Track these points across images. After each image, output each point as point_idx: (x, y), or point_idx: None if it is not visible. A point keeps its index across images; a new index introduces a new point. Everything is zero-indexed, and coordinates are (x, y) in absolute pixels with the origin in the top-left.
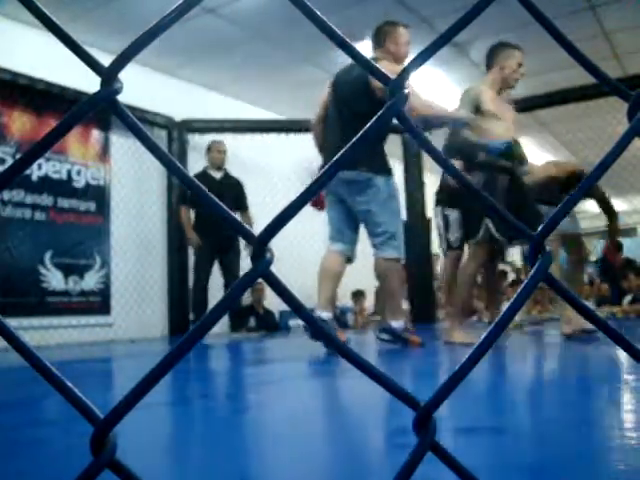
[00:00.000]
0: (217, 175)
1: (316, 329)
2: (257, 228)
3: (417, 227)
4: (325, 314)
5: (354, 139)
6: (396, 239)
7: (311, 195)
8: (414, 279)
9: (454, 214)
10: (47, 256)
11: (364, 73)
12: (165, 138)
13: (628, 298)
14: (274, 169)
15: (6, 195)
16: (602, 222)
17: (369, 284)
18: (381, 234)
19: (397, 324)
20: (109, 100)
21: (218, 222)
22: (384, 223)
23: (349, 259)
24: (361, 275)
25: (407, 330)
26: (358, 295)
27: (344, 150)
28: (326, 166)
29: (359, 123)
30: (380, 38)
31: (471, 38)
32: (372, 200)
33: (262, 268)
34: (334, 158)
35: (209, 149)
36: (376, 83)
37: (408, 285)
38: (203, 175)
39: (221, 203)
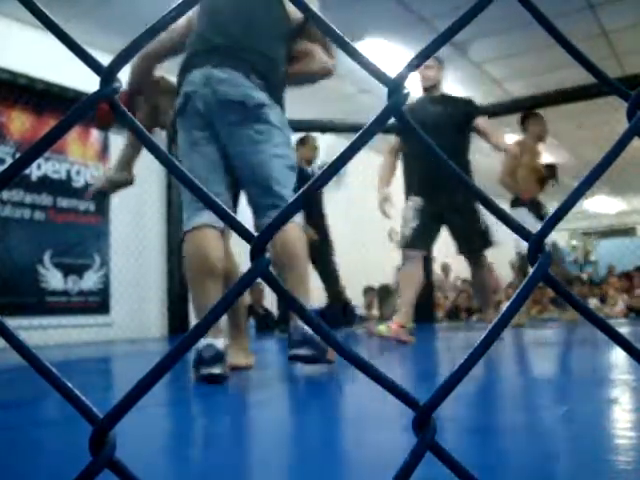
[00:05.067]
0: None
1: (316, 329)
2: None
3: None
4: (220, 344)
5: (353, 139)
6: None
7: (310, 195)
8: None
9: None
10: (46, 256)
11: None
12: (165, 138)
13: (620, 304)
14: None
15: (5, 195)
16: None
17: (372, 282)
18: (273, 196)
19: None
20: (108, 99)
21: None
22: None
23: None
24: (363, 274)
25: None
26: (369, 291)
27: (344, 150)
28: (325, 167)
29: None
30: None
31: (470, 38)
32: (268, 137)
33: (261, 267)
34: (334, 160)
35: (303, 143)
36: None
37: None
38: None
39: (220, 203)
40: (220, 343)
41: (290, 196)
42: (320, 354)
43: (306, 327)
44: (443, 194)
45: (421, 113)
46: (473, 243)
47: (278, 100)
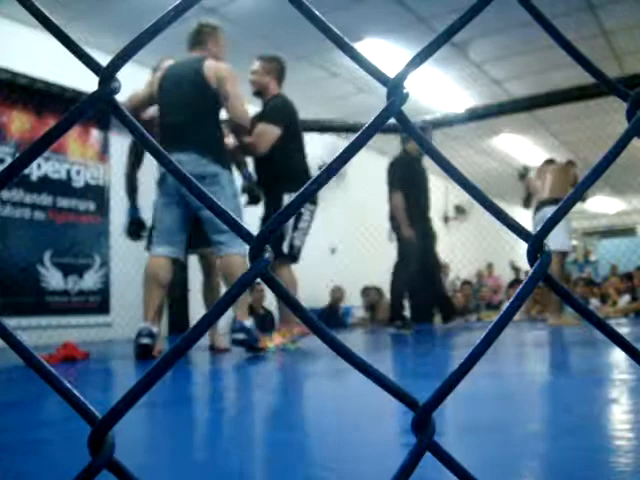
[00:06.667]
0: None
1: (315, 328)
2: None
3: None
4: (155, 328)
5: (349, 143)
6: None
7: (309, 195)
8: (414, 279)
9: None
10: (46, 256)
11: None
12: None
13: (626, 298)
14: None
15: (5, 195)
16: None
17: (372, 282)
18: (227, 230)
19: (249, 323)
20: (107, 99)
21: None
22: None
23: (176, 261)
24: (363, 274)
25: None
26: (367, 292)
27: (343, 150)
28: (325, 167)
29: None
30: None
31: (470, 38)
32: (219, 197)
33: (260, 268)
34: (333, 160)
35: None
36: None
37: (408, 285)
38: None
39: (220, 202)
40: (154, 328)
41: (229, 236)
42: (252, 340)
43: (245, 322)
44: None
45: None
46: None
47: (225, 164)
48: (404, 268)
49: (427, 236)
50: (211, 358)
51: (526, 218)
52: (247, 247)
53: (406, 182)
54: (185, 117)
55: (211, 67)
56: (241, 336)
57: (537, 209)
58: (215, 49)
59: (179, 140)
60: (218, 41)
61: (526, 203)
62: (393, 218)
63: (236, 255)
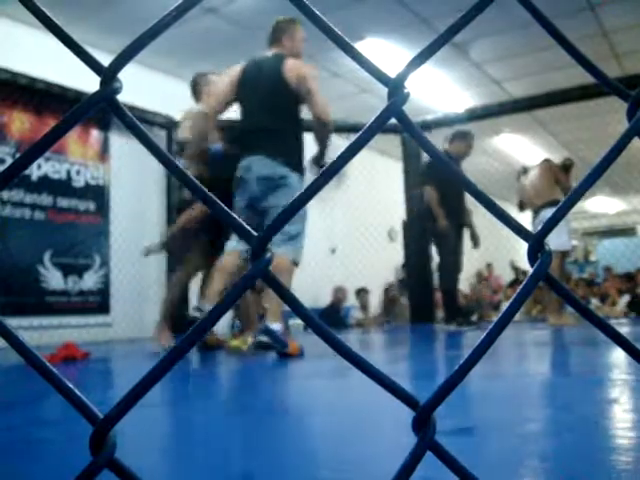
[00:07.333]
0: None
1: (315, 328)
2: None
3: (416, 227)
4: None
5: (350, 143)
6: (296, 241)
7: (311, 195)
8: (414, 279)
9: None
10: (46, 256)
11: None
12: (165, 138)
13: (626, 298)
14: None
15: (5, 195)
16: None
17: (372, 282)
18: (281, 232)
19: (277, 327)
20: (108, 100)
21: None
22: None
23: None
24: (363, 274)
25: (285, 335)
26: (362, 293)
27: (344, 150)
28: (326, 166)
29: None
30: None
31: (471, 38)
32: (285, 199)
33: (261, 268)
34: (334, 160)
35: (464, 137)
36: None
37: (409, 285)
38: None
39: (220, 202)
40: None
41: (295, 231)
42: (280, 345)
43: (272, 324)
44: None
45: None
46: None
47: (296, 166)
48: (450, 264)
49: (458, 237)
50: (203, 356)
51: (526, 218)
52: (292, 249)
53: (441, 182)
54: (261, 119)
55: (291, 67)
56: (264, 338)
57: (536, 212)
58: (290, 44)
59: (253, 142)
60: (293, 35)
61: (521, 206)
62: (425, 216)
63: (282, 256)
